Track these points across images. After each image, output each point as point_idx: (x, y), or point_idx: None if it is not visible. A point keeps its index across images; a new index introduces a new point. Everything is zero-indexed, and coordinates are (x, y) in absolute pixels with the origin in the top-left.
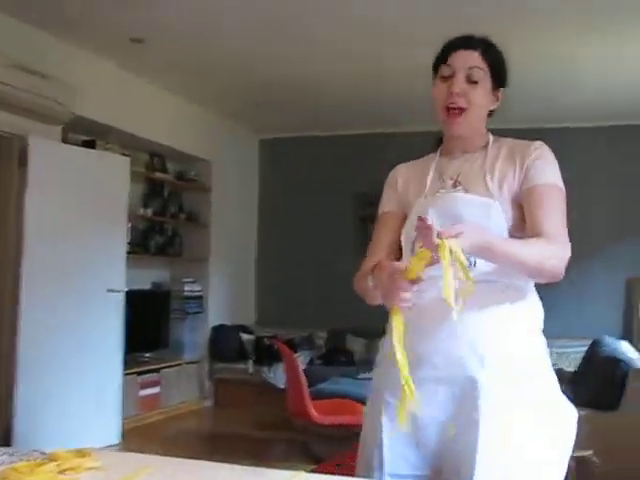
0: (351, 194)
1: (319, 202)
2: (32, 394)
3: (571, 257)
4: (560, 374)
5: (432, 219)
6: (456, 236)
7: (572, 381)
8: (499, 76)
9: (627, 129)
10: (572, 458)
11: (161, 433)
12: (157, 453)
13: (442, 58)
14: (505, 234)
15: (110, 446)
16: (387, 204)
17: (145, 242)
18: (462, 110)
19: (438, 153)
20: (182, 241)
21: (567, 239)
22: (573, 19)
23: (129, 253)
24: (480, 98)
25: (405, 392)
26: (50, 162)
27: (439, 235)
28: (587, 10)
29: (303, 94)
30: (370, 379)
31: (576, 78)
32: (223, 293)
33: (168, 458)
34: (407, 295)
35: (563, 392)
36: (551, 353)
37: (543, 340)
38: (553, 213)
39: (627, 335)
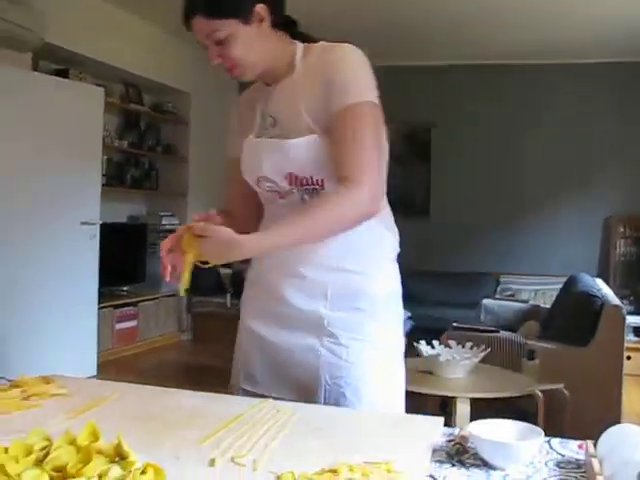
0: None
1: None
2: (6, 327)
3: (546, 195)
4: (536, 311)
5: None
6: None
7: (547, 317)
8: (244, 12)
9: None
10: (542, 391)
11: (137, 365)
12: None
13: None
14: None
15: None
16: (227, 147)
17: (121, 175)
18: (233, 67)
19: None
20: (159, 174)
21: (372, 175)
22: None
23: (104, 185)
24: (241, 49)
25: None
26: (19, 91)
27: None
28: None
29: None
30: None
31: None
32: None
33: (135, 385)
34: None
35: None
36: (528, 290)
37: (393, 272)
38: (355, 147)
39: (603, 274)
